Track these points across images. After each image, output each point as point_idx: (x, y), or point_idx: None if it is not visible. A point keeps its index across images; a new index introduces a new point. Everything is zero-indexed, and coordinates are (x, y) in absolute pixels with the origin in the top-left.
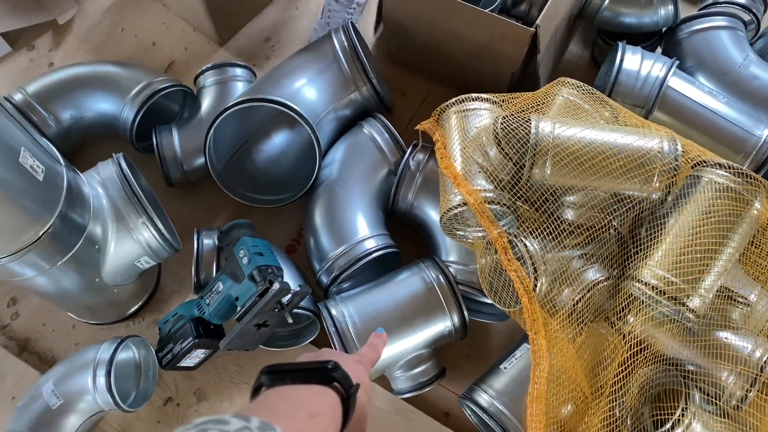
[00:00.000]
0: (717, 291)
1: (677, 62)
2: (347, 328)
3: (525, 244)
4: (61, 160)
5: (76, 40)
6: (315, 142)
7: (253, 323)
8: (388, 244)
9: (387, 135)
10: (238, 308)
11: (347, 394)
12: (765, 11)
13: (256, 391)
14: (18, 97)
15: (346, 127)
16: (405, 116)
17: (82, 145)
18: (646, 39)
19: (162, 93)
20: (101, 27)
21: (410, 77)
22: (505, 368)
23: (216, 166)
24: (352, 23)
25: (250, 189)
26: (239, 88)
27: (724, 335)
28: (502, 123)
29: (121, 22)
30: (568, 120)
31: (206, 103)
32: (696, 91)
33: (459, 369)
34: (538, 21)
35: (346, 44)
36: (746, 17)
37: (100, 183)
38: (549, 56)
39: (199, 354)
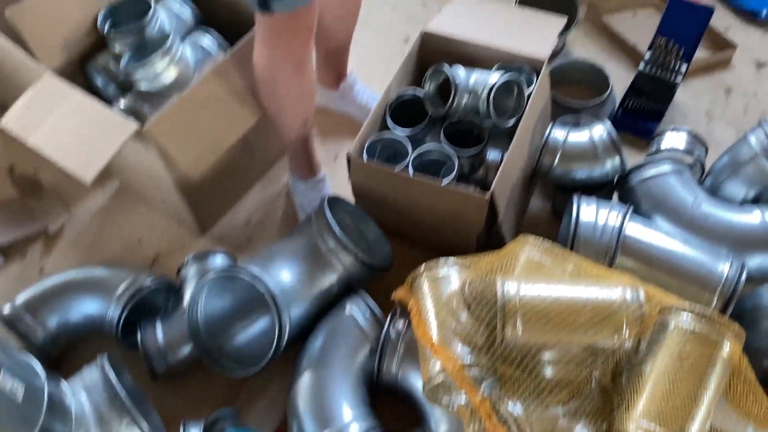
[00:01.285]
0: None
1: (632, 207)
2: None
3: (508, 409)
4: (42, 376)
5: (66, 245)
6: (276, 316)
7: None
8: (372, 426)
9: (368, 313)
10: None
11: None
12: (706, 153)
13: None
14: (6, 310)
15: (331, 299)
16: (384, 280)
17: (71, 345)
18: (602, 186)
19: (144, 292)
20: (90, 230)
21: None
22: None
23: (201, 342)
24: (330, 198)
25: (231, 360)
26: None
27: None
28: (469, 287)
29: (109, 224)
30: (532, 278)
31: (189, 294)
32: (654, 234)
33: None
34: (492, 187)
35: (321, 222)
36: (689, 160)
37: (84, 388)
38: (510, 216)
39: None
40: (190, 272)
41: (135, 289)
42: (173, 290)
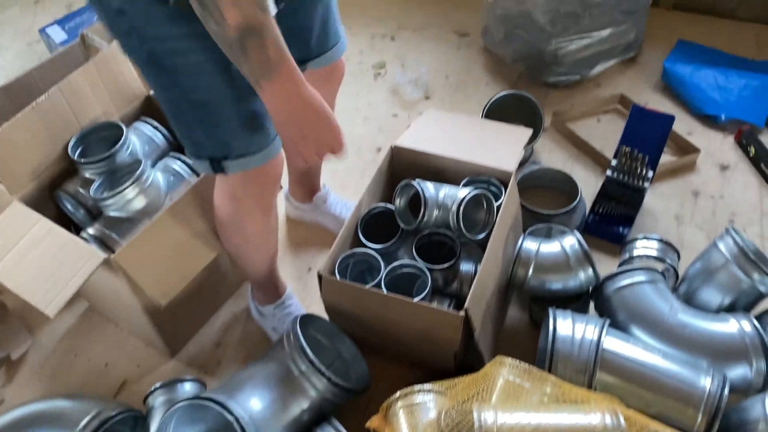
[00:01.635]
0: None
1: (608, 321)
2: None
3: None
4: None
5: (28, 372)
6: None
7: None
8: None
9: None
10: None
11: None
12: (679, 258)
13: None
14: None
15: (304, 426)
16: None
17: None
18: (578, 296)
19: (108, 424)
20: (55, 355)
21: (364, 357)
22: None
23: None
24: (302, 316)
25: None
26: None
27: None
28: (446, 417)
29: (75, 348)
30: (510, 404)
31: (155, 425)
32: (632, 349)
33: None
34: (466, 305)
35: (293, 343)
36: (662, 267)
37: None
38: (487, 331)
39: None
40: (158, 401)
41: (98, 422)
42: (140, 420)
